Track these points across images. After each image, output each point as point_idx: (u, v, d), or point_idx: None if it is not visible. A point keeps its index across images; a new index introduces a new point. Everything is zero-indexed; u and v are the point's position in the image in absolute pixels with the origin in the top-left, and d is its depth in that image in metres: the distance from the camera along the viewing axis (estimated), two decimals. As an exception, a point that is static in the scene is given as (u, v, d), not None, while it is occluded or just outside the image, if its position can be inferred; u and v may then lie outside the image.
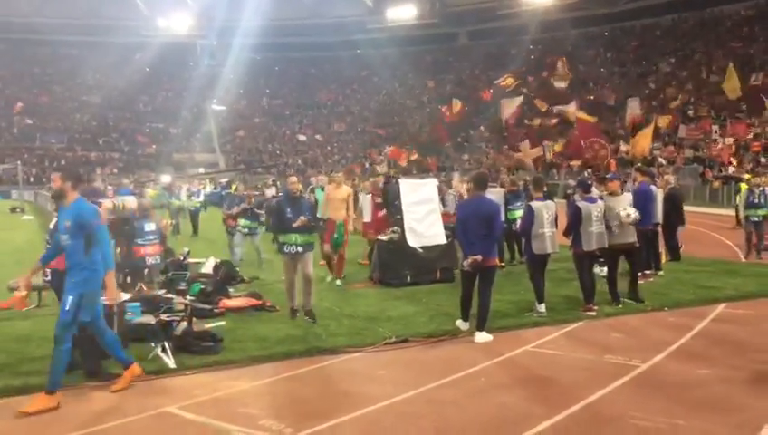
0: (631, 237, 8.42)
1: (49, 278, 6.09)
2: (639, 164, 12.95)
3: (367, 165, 44.86)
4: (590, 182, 8.75)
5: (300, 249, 7.89)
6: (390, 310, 8.52)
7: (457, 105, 42.23)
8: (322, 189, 12.46)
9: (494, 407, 5.15)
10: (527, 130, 36.21)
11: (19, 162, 38.71)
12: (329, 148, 55.35)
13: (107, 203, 6.34)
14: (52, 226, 6.13)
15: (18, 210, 29.60)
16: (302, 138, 57.40)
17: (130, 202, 7.56)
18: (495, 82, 40.69)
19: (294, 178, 8.52)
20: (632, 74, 45.97)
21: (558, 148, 29.57)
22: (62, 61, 62.08)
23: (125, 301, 6.93)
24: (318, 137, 57.33)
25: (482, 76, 54.23)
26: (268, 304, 8.70)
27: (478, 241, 7.00)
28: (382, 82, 60.30)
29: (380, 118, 57.23)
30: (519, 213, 10.64)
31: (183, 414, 5.09)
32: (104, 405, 5.28)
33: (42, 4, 56.84)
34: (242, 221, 12.43)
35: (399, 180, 11.09)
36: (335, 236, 10.21)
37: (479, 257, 6.95)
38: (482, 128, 47.20)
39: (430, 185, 10.97)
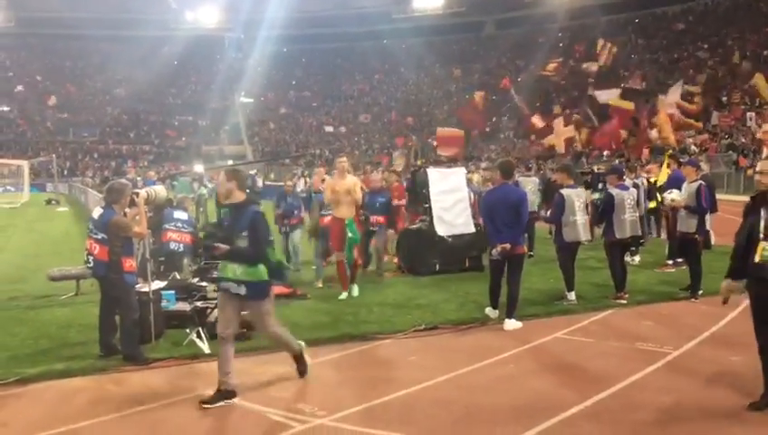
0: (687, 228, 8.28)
1: (92, 266, 6.25)
2: (671, 151, 12.72)
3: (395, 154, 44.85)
4: (623, 169, 8.68)
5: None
6: (419, 298, 8.58)
7: (479, 96, 41.91)
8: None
9: (525, 392, 5.19)
10: (555, 117, 35.82)
11: (54, 156, 39.55)
12: (355, 138, 55.44)
13: (142, 193, 6.48)
14: (96, 216, 6.29)
15: (53, 202, 30.28)
16: (328, 129, 57.57)
17: (161, 191, 7.72)
18: (543, 70, 40.08)
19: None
20: (663, 61, 45.15)
21: (584, 135, 29.17)
22: (93, 55, 63.08)
23: (160, 288, 7.11)
24: (343, 129, 57.47)
25: (509, 65, 53.77)
26: (299, 292, 8.81)
27: (506, 229, 7.01)
28: (408, 73, 60.11)
29: (407, 108, 57.11)
30: None
31: (219, 397, 5.21)
32: (143, 389, 5.43)
33: (72, 0, 57.77)
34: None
35: (428, 169, 11.10)
36: (349, 235, 8.55)
37: (508, 245, 6.96)
38: (505, 118, 46.84)
39: (459, 174, 10.98)
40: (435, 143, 31.55)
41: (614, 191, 8.06)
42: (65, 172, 46.04)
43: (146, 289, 6.67)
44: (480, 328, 7.19)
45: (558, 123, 28.79)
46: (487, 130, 46.00)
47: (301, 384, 5.52)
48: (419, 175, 10.98)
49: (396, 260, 10.83)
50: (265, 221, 5.18)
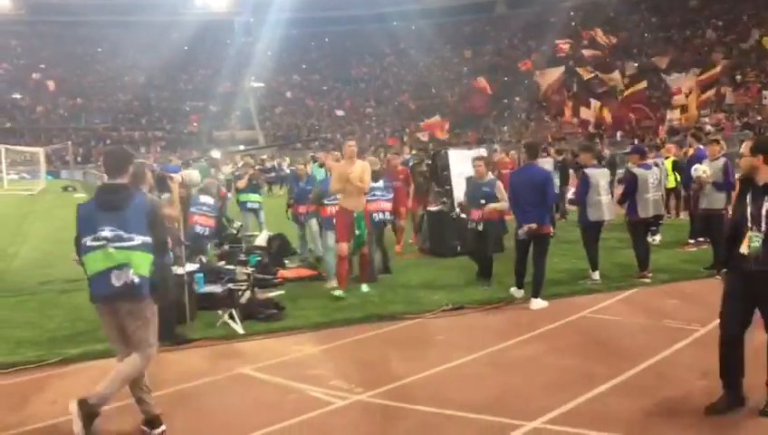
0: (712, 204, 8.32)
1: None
2: (694, 130, 12.68)
3: (405, 138, 44.82)
4: (645, 148, 8.70)
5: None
6: (443, 279, 8.70)
7: (483, 82, 41.67)
8: (321, 166, 10.98)
9: (556, 369, 5.28)
10: (568, 98, 35.63)
11: (69, 143, 39.80)
12: (366, 122, 55.37)
13: (176, 176, 6.60)
14: None
15: (70, 189, 30.55)
16: (339, 113, 57.52)
17: (195, 175, 7.86)
18: (558, 41, 39.77)
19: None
20: (678, 40, 44.67)
21: (605, 112, 29.01)
22: (104, 41, 63.11)
23: (192, 271, 7.25)
24: (356, 111, 57.38)
25: (521, 46, 53.38)
26: (324, 274, 8.94)
27: (532, 209, 7.09)
28: (419, 55, 59.78)
29: (418, 91, 56.90)
30: None
31: (257, 375, 5.36)
32: (182, 368, 5.58)
33: (81, -15, 57.85)
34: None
35: (448, 151, 11.15)
36: (356, 232, 7.79)
37: (534, 225, 7.04)
38: (517, 99, 46.55)
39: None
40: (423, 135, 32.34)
41: (637, 171, 8.10)
42: (79, 159, 46.32)
43: (181, 272, 6.80)
44: (506, 308, 7.29)
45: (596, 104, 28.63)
46: (494, 113, 45.79)
47: (335, 363, 5.64)
48: (440, 157, 11.03)
49: (412, 241, 11.05)
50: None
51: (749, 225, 4.12)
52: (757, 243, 4.06)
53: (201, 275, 7.58)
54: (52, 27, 61.68)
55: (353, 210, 7.78)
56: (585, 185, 7.93)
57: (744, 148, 4.23)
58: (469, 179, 8.68)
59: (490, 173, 8.28)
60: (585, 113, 28.82)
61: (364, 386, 5.01)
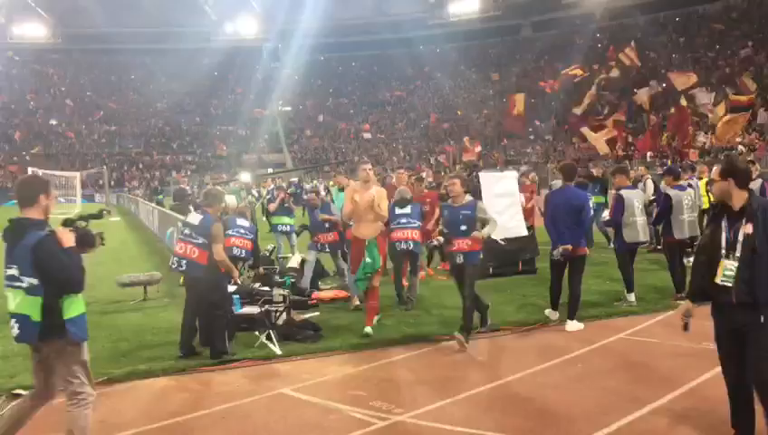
0: None
1: (185, 268, 6.62)
2: (726, 153, 12.60)
3: (432, 161, 44.98)
4: (679, 169, 8.67)
5: None
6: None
7: (520, 98, 41.72)
8: (341, 190, 10.19)
9: (597, 391, 5.27)
10: (593, 120, 35.46)
11: (105, 167, 40.69)
12: (394, 145, 55.70)
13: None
14: (196, 221, 6.72)
15: (105, 212, 31.10)
16: (366, 136, 57.97)
17: (232, 200, 8.05)
18: (562, 71, 39.96)
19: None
20: (707, 60, 44.33)
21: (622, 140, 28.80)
22: (137, 68, 64.71)
23: (230, 293, 7.38)
24: (382, 135, 57.80)
25: (547, 68, 53.37)
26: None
27: (568, 230, 7.10)
28: (445, 78, 60.13)
29: (444, 113, 57.18)
30: None
31: (298, 395, 5.44)
32: (225, 387, 5.68)
33: (115, 15, 59.28)
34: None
35: (480, 173, 11.20)
36: (366, 260, 7.17)
37: (569, 247, 7.05)
38: (537, 122, 46.45)
39: (510, 178, 11.06)
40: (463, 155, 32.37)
41: (672, 192, 8.07)
42: (112, 183, 47.31)
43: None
44: (541, 330, 7.28)
45: (604, 127, 28.53)
46: (531, 134, 45.78)
47: (374, 384, 5.69)
48: (471, 179, 11.07)
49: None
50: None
51: (722, 252, 3.89)
52: (731, 272, 3.82)
53: (237, 296, 7.71)
54: (87, 55, 63.49)
55: (364, 238, 7.23)
56: (620, 206, 7.92)
57: (714, 172, 4.13)
58: (444, 205, 7.48)
59: (468, 195, 7.00)
60: (607, 135, 28.67)
61: (403, 407, 5.05)
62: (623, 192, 8.04)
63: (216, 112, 62.33)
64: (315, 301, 8.83)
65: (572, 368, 5.89)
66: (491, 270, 10.16)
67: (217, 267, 6.49)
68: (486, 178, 10.76)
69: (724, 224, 3.93)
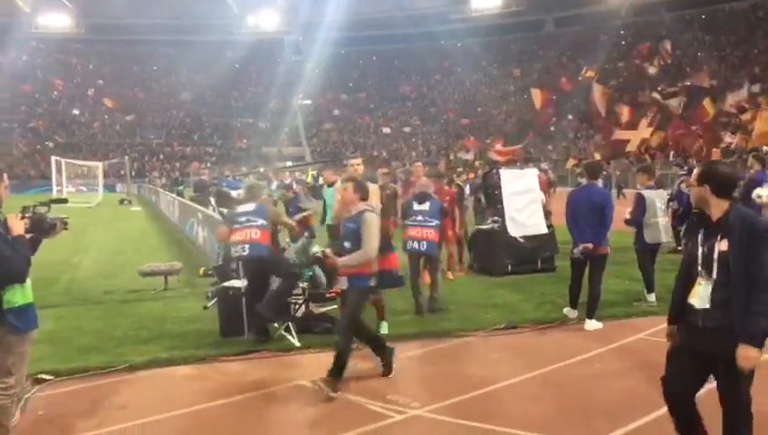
0: None
1: (249, 252, 6.74)
2: (755, 151, 12.39)
3: (451, 157, 44.90)
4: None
5: None
6: (495, 298, 8.69)
7: (538, 94, 41.54)
8: (330, 186, 9.24)
9: (616, 391, 5.26)
10: (617, 118, 35.22)
11: (127, 157, 41.15)
12: (413, 140, 55.67)
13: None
14: (251, 208, 6.99)
15: (126, 202, 31.55)
16: (386, 130, 58.01)
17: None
18: (580, 77, 39.69)
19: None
20: (732, 58, 43.70)
21: (656, 138, 28.60)
22: (159, 59, 65.34)
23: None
24: (402, 129, 57.77)
25: (569, 65, 52.99)
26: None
27: (589, 229, 7.07)
28: (466, 73, 59.97)
29: (464, 109, 57.01)
30: None
31: (314, 387, 5.48)
32: (243, 378, 5.74)
33: (138, 7, 59.89)
34: None
35: (500, 169, 11.17)
36: None
37: (590, 245, 7.02)
38: (570, 117, 46.17)
39: (531, 175, 11.02)
40: (495, 155, 31.97)
41: None
42: (133, 173, 47.86)
43: (238, 285, 7.02)
44: (560, 328, 7.25)
45: (642, 124, 28.29)
46: (552, 129, 45.50)
47: (391, 378, 5.72)
48: (491, 176, 11.06)
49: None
50: None
51: (699, 269, 3.45)
52: (706, 293, 3.40)
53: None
54: (110, 46, 64.20)
55: None
56: (642, 206, 7.85)
57: (693, 177, 3.56)
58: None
59: (363, 203, 5.48)
60: (627, 134, 28.48)
61: (421, 401, 5.08)
62: (644, 192, 7.96)
63: (237, 105, 62.75)
64: (333, 294, 8.87)
65: (590, 367, 5.88)
66: (509, 268, 10.15)
67: (278, 245, 6.84)
68: (506, 176, 10.73)
69: (700, 237, 3.48)
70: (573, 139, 43.90)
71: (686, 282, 3.56)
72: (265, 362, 6.19)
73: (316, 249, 5.15)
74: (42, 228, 4.18)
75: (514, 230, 10.31)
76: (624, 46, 50.71)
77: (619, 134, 29.23)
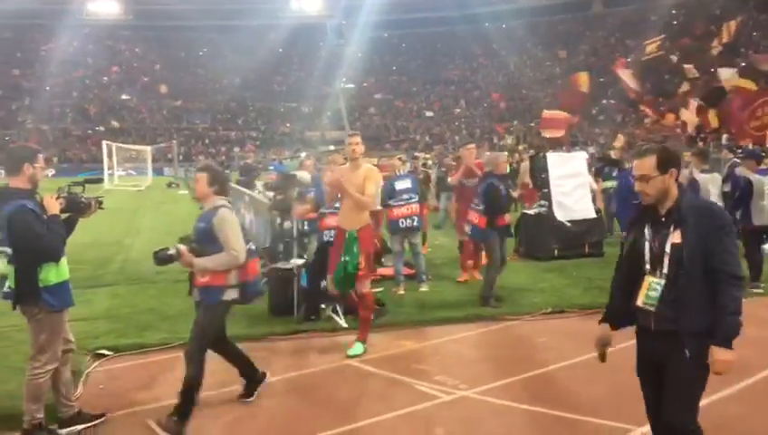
0: None
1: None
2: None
3: (495, 140, 44.45)
4: (763, 154, 8.32)
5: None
6: (541, 282, 8.64)
7: (584, 77, 40.53)
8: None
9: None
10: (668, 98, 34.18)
11: (174, 142, 41.96)
12: (456, 123, 55.25)
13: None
14: None
15: (174, 185, 32.25)
16: (429, 114, 57.69)
17: (306, 176, 8.24)
18: (646, 43, 38.33)
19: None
20: (790, 38, 41.98)
21: (714, 117, 27.60)
22: (205, 45, 66.09)
23: (300, 266, 7.57)
24: (445, 113, 57.40)
25: (618, 46, 51.66)
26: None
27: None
28: (511, 56, 59.04)
29: (509, 91, 56.24)
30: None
31: (364, 367, 5.58)
32: (294, 356, 5.88)
33: (185, -8, 60.69)
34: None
35: (548, 153, 11.04)
36: (344, 258, 5.77)
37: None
38: (612, 100, 45.08)
39: (579, 158, 10.87)
40: (539, 125, 31.09)
41: (753, 177, 7.76)
42: (180, 157, 48.82)
43: (290, 266, 7.14)
44: (608, 313, 7.17)
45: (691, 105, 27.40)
46: (593, 111, 44.54)
47: (438, 359, 5.77)
48: (539, 160, 10.95)
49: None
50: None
51: (647, 267, 3.11)
52: (656, 292, 3.06)
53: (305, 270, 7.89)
54: (157, 32, 65.22)
55: (347, 229, 5.86)
56: (696, 190, 7.67)
57: (645, 164, 3.04)
58: None
59: (218, 198, 4.56)
60: (684, 115, 27.57)
61: (469, 383, 5.11)
62: (698, 176, 7.79)
63: (281, 89, 63.17)
64: (379, 277, 8.94)
65: (641, 352, 5.81)
66: (556, 252, 10.07)
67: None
68: (554, 159, 10.61)
69: (647, 230, 3.13)
70: (621, 122, 42.90)
71: (627, 281, 3.24)
72: (314, 341, 6.31)
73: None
74: (76, 208, 4.30)
75: (562, 214, 10.20)
76: (676, 26, 49.11)
77: (669, 118, 28.37)
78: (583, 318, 7.00)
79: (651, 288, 3.08)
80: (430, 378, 5.24)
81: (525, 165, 12.53)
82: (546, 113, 31.32)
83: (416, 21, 65.62)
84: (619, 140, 31.90)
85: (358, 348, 5.87)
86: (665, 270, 3.04)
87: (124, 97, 58.86)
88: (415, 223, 8.29)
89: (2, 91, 55.80)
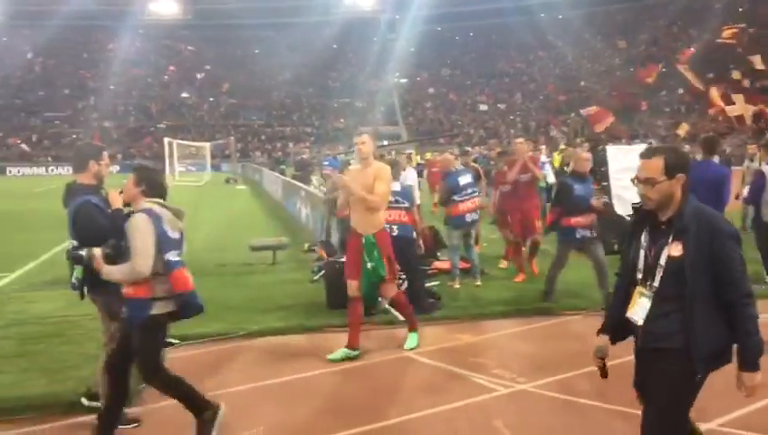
0: None
1: (397, 233, 6.78)
2: None
3: (552, 134, 43.72)
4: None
5: None
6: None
7: (652, 68, 39.38)
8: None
9: (724, 375, 5.02)
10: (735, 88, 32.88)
11: (232, 138, 42.91)
12: (511, 117, 54.59)
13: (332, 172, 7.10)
14: (398, 188, 7.05)
15: (231, 181, 33.00)
16: (483, 107, 57.19)
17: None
18: (720, 37, 36.96)
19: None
20: None
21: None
22: (260, 43, 67.25)
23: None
24: (500, 106, 56.77)
25: (681, 35, 50.02)
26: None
27: (705, 207, 6.76)
28: (567, 47, 57.94)
29: (565, 84, 55.19)
30: None
31: (421, 359, 5.63)
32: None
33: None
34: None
35: (607, 146, 10.83)
36: (368, 265, 5.59)
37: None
38: (681, 91, 43.66)
39: (639, 151, 10.60)
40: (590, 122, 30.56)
41: None
42: (237, 154, 49.87)
43: (344, 259, 7.24)
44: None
45: (739, 98, 26.44)
46: (654, 103, 43.26)
47: (496, 353, 5.77)
48: (598, 153, 10.74)
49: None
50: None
51: (639, 276, 2.91)
52: (643, 305, 2.86)
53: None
54: (216, 31, 66.81)
55: (363, 233, 5.63)
56: (762, 183, 7.42)
57: (651, 166, 2.81)
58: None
59: (146, 200, 4.05)
60: (738, 108, 26.48)
61: (526, 377, 5.10)
62: (765, 168, 7.51)
63: (335, 85, 63.71)
64: (435, 271, 8.98)
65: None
66: (615, 247, 9.86)
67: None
68: (613, 152, 10.42)
69: (644, 238, 2.91)
70: (684, 113, 41.56)
71: (626, 291, 3.01)
72: (371, 333, 6.39)
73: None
74: None
75: (621, 208, 9.98)
76: (741, 14, 47.19)
77: (732, 109, 27.27)
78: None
79: (642, 301, 2.87)
80: (488, 371, 5.25)
81: (581, 155, 12.21)
82: (587, 110, 30.84)
83: (469, 14, 65.08)
84: (683, 129, 30.97)
85: (412, 340, 5.91)
86: (655, 283, 2.82)
87: (184, 95, 60.49)
88: (477, 217, 8.40)
89: (69, 90, 58.26)
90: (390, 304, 6.53)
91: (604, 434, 4.27)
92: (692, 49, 40.45)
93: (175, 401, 4.07)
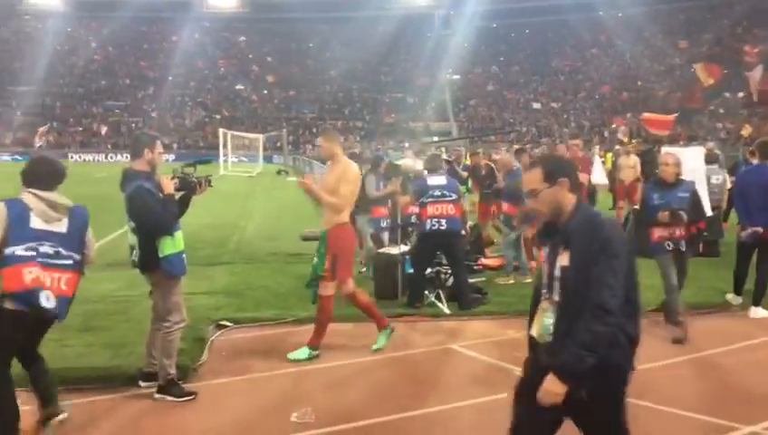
0: None
1: (445, 227, 7.10)
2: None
3: (606, 134, 42.92)
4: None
5: None
6: (651, 278, 8.37)
7: (714, 68, 38.15)
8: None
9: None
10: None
11: (284, 130, 43.55)
12: (564, 116, 53.74)
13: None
14: (444, 181, 7.31)
15: (283, 173, 33.55)
16: (536, 106, 56.44)
17: (416, 165, 8.47)
18: None
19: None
20: None
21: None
22: (314, 36, 67.92)
23: (404, 253, 7.81)
24: (553, 105, 55.93)
25: (746, 35, 48.28)
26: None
27: (758, 212, 6.65)
28: (626, 46, 56.61)
29: (623, 83, 53.98)
30: None
31: (466, 352, 5.74)
32: (397, 338, 6.08)
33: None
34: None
35: (663, 148, 10.64)
36: (314, 259, 5.70)
37: (759, 229, 6.60)
38: (741, 94, 42.24)
39: (695, 153, 10.38)
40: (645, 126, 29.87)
41: None
42: (289, 146, 50.59)
43: (395, 251, 7.40)
44: (719, 314, 6.97)
45: None
46: (714, 105, 42.02)
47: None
48: (648, 154, 10.60)
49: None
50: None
51: (543, 290, 2.75)
52: (549, 319, 2.66)
53: (409, 257, 8.12)
54: (270, 24, 67.78)
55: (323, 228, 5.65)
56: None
57: (533, 177, 2.74)
58: None
59: (23, 189, 3.93)
60: None
61: (569, 374, 5.14)
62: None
63: (387, 80, 63.86)
64: (481, 267, 9.05)
65: (752, 354, 5.63)
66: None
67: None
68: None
69: (546, 250, 2.79)
70: (747, 116, 40.19)
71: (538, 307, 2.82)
72: (417, 325, 6.53)
73: None
74: (188, 187, 4.76)
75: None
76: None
77: None
78: (694, 318, 6.78)
79: (545, 315, 2.69)
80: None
81: (623, 160, 12.04)
82: (647, 116, 30.09)
83: (526, 10, 64.19)
84: (747, 129, 29.96)
85: (381, 339, 5.70)
86: (555, 297, 2.66)
87: (238, 87, 61.64)
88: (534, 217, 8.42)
89: (130, 80, 60.12)
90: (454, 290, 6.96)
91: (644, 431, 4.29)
92: (756, 49, 39.03)
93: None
